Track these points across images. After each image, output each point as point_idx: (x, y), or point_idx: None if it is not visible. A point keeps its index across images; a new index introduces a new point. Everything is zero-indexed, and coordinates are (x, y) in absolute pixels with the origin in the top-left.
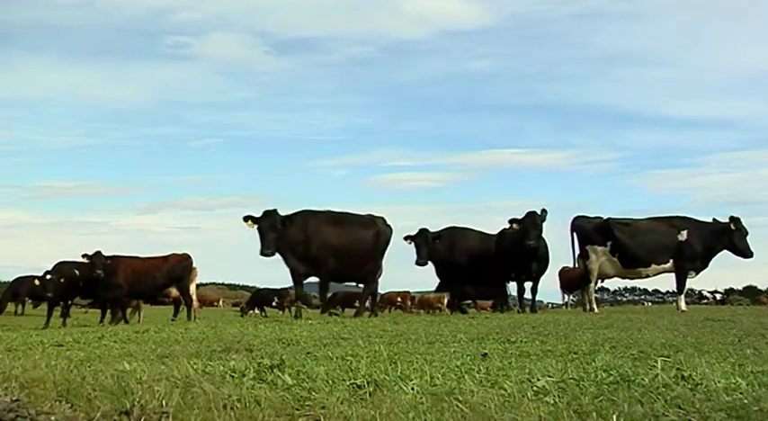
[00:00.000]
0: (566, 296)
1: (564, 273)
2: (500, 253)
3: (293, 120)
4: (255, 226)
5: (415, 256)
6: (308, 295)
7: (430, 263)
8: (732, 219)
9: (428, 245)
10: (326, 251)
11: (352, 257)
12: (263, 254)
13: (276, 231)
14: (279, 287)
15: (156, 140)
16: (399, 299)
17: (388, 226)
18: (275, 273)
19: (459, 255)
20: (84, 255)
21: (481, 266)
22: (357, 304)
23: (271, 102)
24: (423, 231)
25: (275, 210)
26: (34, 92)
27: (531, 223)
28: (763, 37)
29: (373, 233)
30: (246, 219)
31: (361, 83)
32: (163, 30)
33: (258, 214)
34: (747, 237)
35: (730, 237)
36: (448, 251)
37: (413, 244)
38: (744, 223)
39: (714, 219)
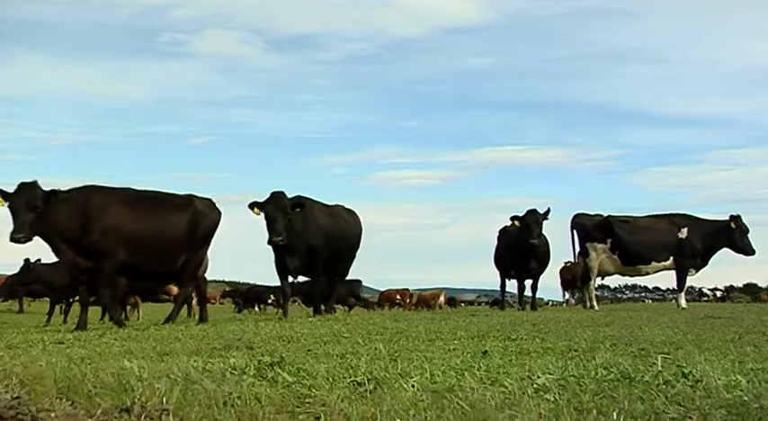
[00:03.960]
0: (566, 293)
1: (564, 271)
2: (501, 250)
3: (291, 118)
4: (6, 204)
5: (266, 234)
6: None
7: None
8: (732, 217)
9: (286, 217)
10: (113, 238)
11: (155, 248)
12: (12, 239)
13: (34, 210)
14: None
15: (154, 138)
16: (398, 296)
17: (216, 209)
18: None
19: (313, 236)
20: None
21: (337, 252)
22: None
23: (269, 99)
24: (277, 197)
25: (34, 183)
26: (31, 89)
27: (533, 221)
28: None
29: (189, 217)
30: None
31: (359, 80)
32: (160, 27)
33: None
34: (748, 235)
35: (730, 234)
36: (302, 229)
37: (262, 215)
38: (744, 220)
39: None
